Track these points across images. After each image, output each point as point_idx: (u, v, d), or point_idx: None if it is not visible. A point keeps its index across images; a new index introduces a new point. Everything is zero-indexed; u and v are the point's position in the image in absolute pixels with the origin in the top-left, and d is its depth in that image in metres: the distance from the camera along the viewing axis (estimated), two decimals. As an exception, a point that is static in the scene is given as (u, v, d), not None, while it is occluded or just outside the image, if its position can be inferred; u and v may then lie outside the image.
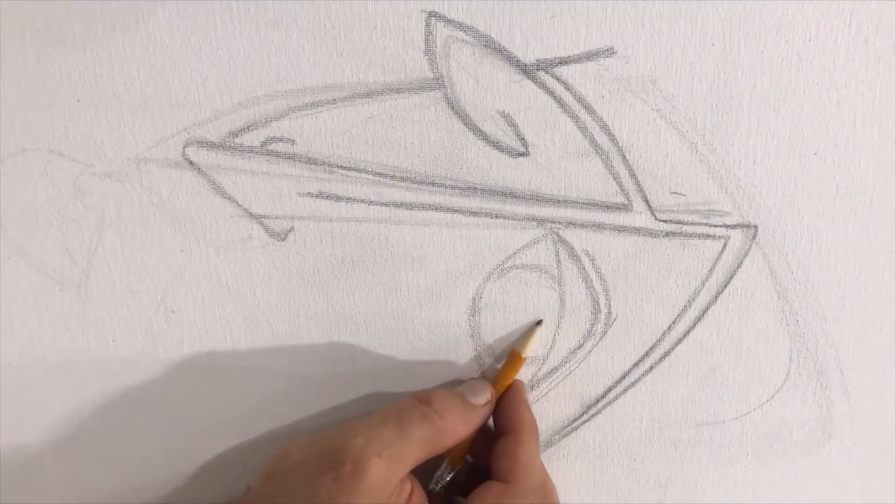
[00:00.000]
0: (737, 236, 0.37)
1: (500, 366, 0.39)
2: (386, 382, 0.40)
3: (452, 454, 0.37)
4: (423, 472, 0.36)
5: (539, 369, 0.39)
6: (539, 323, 0.38)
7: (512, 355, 0.38)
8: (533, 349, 0.38)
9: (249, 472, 0.41)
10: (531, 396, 0.39)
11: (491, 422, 0.38)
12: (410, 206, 0.37)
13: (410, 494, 0.33)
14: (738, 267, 0.38)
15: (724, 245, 0.37)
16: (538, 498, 0.35)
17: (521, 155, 0.36)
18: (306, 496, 0.31)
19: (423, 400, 0.35)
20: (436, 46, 0.35)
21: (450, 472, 0.37)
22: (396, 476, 0.32)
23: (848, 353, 0.39)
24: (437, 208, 0.37)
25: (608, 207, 0.37)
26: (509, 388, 0.38)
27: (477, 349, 0.39)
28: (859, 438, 0.40)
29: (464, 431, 0.35)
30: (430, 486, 0.37)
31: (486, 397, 0.36)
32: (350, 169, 0.36)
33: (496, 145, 0.36)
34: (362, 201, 0.37)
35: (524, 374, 0.39)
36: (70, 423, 0.40)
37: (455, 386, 0.38)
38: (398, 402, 0.35)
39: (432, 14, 0.34)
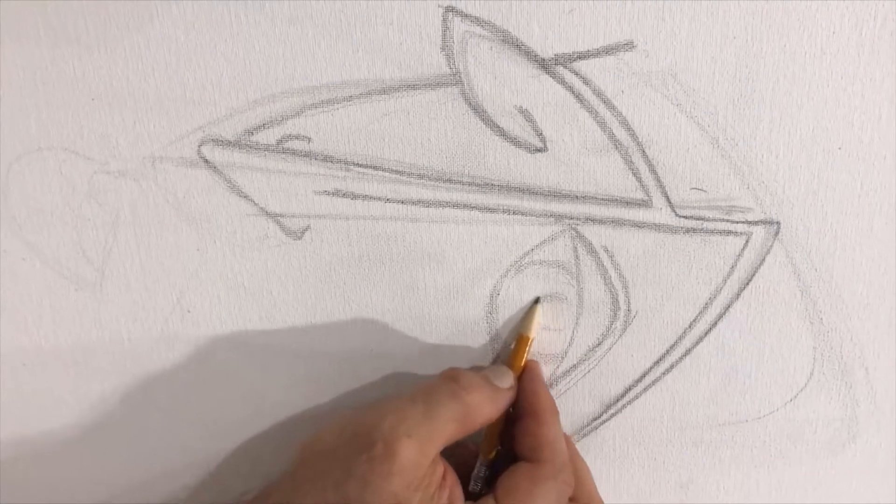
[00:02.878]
0: (759, 232, 0.37)
1: (511, 349, 0.38)
2: (404, 380, 0.39)
3: (483, 448, 0.37)
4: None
5: (557, 367, 0.39)
6: (537, 301, 0.38)
7: (519, 338, 0.38)
8: (538, 328, 0.38)
9: (265, 471, 0.41)
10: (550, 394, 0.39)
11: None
12: (427, 204, 0.37)
13: (444, 476, 0.33)
14: (761, 264, 0.37)
15: (746, 241, 0.37)
16: (568, 475, 0.35)
17: (539, 151, 0.36)
18: (340, 478, 0.32)
19: (451, 377, 0.35)
20: (453, 42, 0.34)
21: (486, 468, 0.37)
22: (427, 456, 0.32)
23: (873, 351, 0.38)
24: (455, 205, 0.37)
25: (627, 203, 0.37)
26: (525, 370, 0.38)
27: (494, 346, 0.39)
28: (885, 439, 0.40)
29: (490, 411, 0.35)
30: (471, 488, 0.37)
31: (510, 382, 0.36)
32: (366, 166, 0.36)
33: (514, 141, 0.36)
34: (379, 199, 0.37)
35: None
36: (85, 422, 0.39)
37: None
38: (428, 382, 0.35)
39: (449, 9, 0.34)
